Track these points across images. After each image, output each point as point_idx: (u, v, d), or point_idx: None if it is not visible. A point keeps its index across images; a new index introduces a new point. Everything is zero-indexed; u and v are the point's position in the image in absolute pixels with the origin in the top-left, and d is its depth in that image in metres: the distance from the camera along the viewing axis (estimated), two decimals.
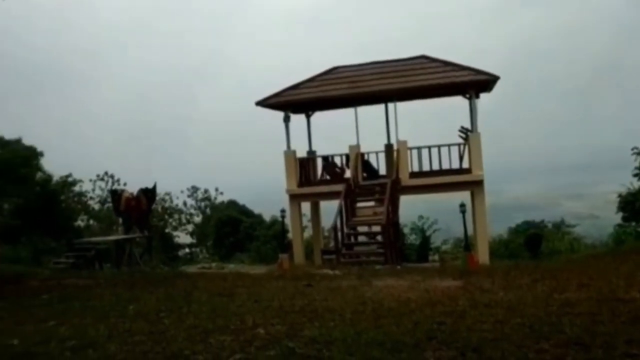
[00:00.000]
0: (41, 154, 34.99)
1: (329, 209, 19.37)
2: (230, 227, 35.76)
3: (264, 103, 19.09)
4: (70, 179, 38.70)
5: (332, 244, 21.44)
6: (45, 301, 8.00)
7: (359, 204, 17.39)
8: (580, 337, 5.21)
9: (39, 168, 35.15)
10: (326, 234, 25.14)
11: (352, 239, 16.91)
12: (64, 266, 18.93)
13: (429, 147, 18.48)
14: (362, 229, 17.39)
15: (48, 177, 35.72)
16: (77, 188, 39.45)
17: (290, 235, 20.32)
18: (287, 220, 19.60)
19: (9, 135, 34.16)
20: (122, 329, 6.00)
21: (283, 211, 19.23)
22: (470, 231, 18.10)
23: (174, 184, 40.37)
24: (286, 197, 19.25)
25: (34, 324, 6.24)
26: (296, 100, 19.10)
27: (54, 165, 36.42)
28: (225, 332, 5.91)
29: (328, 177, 19.77)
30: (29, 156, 33.70)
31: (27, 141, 34.29)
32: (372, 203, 17.44)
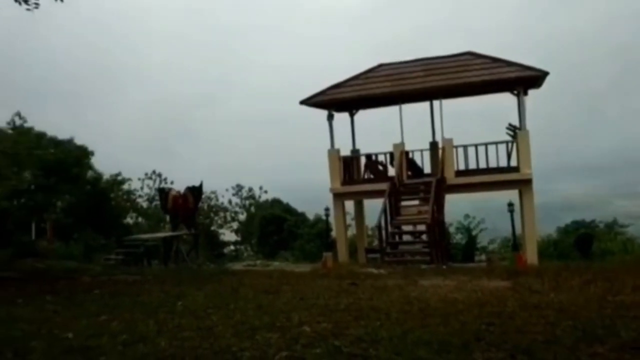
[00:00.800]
0: (92, 154, 36.08)
1: (373, 207, 19.27)
2: (275, 225, 36.02)
3: (308, 102, 19.16)
4: (119, 178, 39.79)
5: (375, 242, 21.35)
6: (97, 296, 8.22)
7: (404, 203, 17.24)
8: (636, 341, 5.02)
9: (90, 167, 36.27)
10: (370, 232, 25.06)
11: (397, 238, 16.78)
12: (114, 262, 19.47)
13: (476, 145, 18.16)
14: (407, 228, 17.24)
15: (98, 176, 36.81)
16: (126, 186, 40.56)
17: (334, 233, 20.33)
18: (331, 219, 19.62)
19: (62, 135, 35.34)
20: (171, 324, 6.10)
21: (327, 209, 19.28)
22: (518, 231, 17.72)
23: (218, 182, 40.98)
24: (330, 196, 19.27)
25: (87, 319, 6.41)
26: (340, 99, 19.09)
27: (102, 164, 37.55)
28: (272, 329, 5.94)
29: (371, 176, 19.70)
30: (80, 156, 34.81)
31: (79, 141, 35.45)
32: (416, 202, 17.28)
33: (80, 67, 63.58)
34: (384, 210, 15.95)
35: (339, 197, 19.17)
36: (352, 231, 23.51)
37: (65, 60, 62.64)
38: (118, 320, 6.30)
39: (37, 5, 9.74)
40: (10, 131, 36.43)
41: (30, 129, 35.85)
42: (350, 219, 23.39)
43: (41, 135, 34.86)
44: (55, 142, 34.63)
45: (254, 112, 66.41)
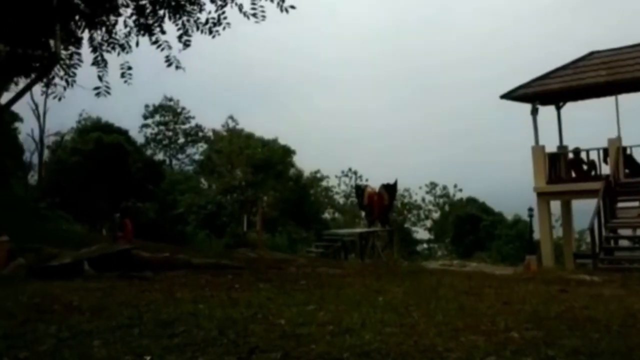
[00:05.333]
0: (294, 152, 38.66)
1: (582, 208, 17.76)
2: (470, 224, 35.11)
3: (510, 95, 18.25)
4: (318, 175, 42.05)
5: (584, 247, 19.63)
6: (303, 287, 8.63)
7: (621, 204, 15.58)
8: None
9: (292, 165, 38.91)
10: (577, 236, 23.13)
11: (612, 243, 15.19)
12: (314, 255, 20.55)
13: None
14: (625, 232, 15.54)
15: (300, 173, 39.31)
16: (324, 183, 42.74)
17: (536, 235, 19.15)
18: (534, 220, 18.51)
19: (268, 135, 38.32)
20: (374, 318, 6.16)
21: (531, 210, 18.28)
22: None
23: (412, 180, 41.02)
24: (533, 195, 18.15)
25: (296, 307, 6.74)
26: (545, 91, 17.89)
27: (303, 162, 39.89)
28: (476, 332, 5.70)
29: (573, 174, 18.21)
30: (284, 154, 37.51)
31: (282, 141, 38.16)
32: (636, 203, 15.52)
33: (284, 74, 68.39)
34: (598, 212, 14.54)
35: (543, 196, 17.95)
36: (556, 233, 21.95)
37: (271, 69, 67.84)
38: (324, 310, 6.53)
39: (264, 17, 10.47)
40: (224, 133, 40.60)
41: (241, 130, 39.57)
42: (554, 220, 21.87)
43: (250, 136, 38.25)
44: (263, 142, 37.74)
45: (449, 108, 65.34)
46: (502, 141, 52.62)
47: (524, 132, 18.91)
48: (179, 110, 46.02)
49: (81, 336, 5.36)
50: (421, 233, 42.53)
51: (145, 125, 45.35)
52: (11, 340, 5.15)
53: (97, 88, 10.51)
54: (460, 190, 42.59)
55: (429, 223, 42.37)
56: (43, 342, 5.14)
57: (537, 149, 18.03)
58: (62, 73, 11.75)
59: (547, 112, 19.25)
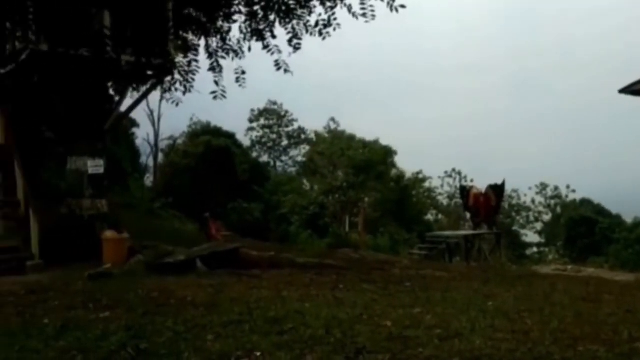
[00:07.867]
0: (395, 153, 38.36)
1: None
2: (584, 227, 33.08)
3: (629, 90, 16.93)
4: (420, 176, 41.43)
5: None
6: (408, 289, 8.53)
7: None
8: None
9: (394, 165, 38.62)
10: None
11: None
12: (417, 257, 20.25)
13: None
14: None
15: (401, 174, 38.94)
16: (426, 184, 42.04)
17: None
18: None
19: (369, 136, 38.30)
20: (484, 324, 5.97)
21: None
22: None
23: (520, 180, 39.32)
24: None
25: (402, 309, 6.68)
26: None
27: (405, 163, 39.49)
28: (596, 341, 5.36)
29: None
30: (385, 155, 37.32)
31: (383, 141, 38.01)
32: None
33: (385, 75, 68.26)
34: None
35: None
36: None
37: (372, 69, 67.86)
38: (431, 313, 6.42)
39: (374, 17, 10.33)
40: (326, 134, 41.04)
41: (342, 132, 39.82)
42: None
43: (352, 137, 38.39)
44: (364, 143, 37.75)
45: (559, 107, 62.04)
46: (619, 139, 49.17)
47: None
48: (282, 113, 47.23)
49: (196, 330, 5.62)
50: (531, 236, 40.69)
51: (251, 129, 46.94)
52: (133, 331, 5.51)
53: (213, 92, 10.98)
54: (574, 191, 40.22)
55: (539, 226, 40.44)
56: (161, 334, 5.45)
57: None
58: (180, 79, 12.42)
59: None
